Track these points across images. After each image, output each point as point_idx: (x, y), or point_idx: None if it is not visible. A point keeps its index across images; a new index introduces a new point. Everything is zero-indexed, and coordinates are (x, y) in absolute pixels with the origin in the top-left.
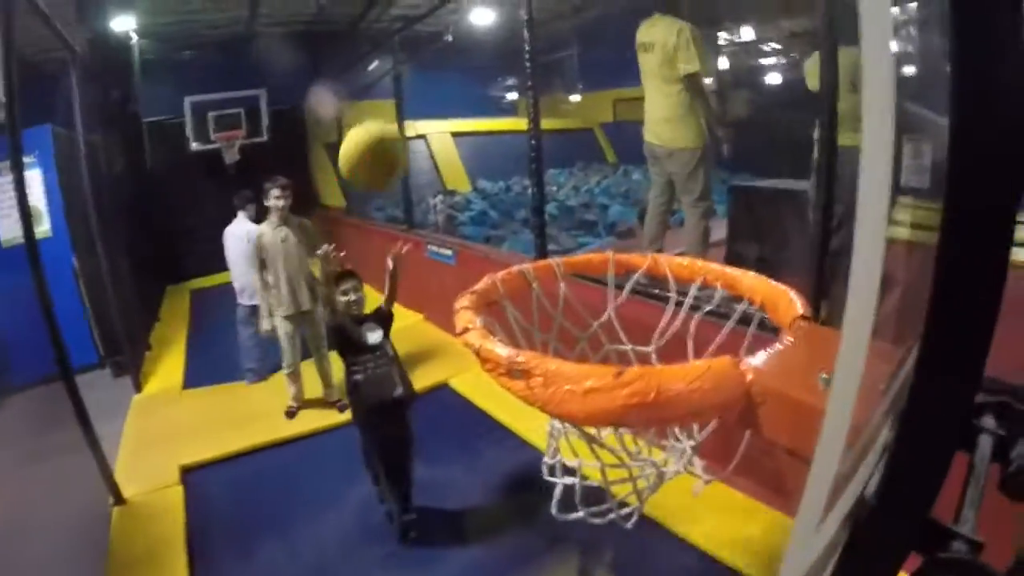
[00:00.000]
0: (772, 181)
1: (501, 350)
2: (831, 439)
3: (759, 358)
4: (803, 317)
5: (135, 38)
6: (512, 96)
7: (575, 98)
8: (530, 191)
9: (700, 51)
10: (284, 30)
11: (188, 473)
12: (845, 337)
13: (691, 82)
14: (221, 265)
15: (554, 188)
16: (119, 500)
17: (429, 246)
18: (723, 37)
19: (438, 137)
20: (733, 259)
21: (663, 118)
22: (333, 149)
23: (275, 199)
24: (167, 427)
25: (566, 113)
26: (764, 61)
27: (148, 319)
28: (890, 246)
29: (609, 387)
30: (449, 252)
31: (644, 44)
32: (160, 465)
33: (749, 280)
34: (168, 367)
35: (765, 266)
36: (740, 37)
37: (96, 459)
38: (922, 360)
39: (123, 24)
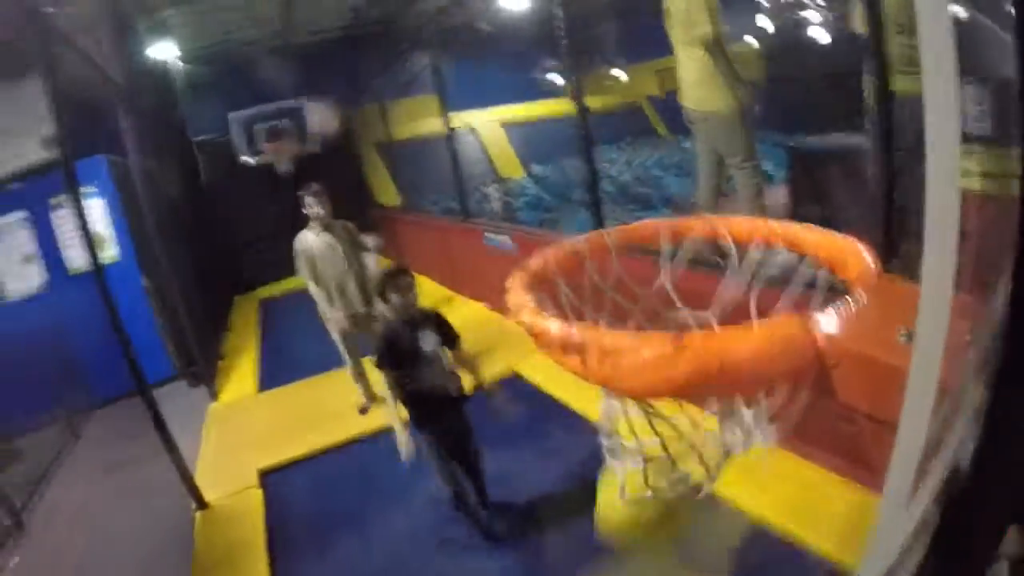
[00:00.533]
0: (829, 137)
1: (553, 325)
2: (918, 400)
3: (830, 317)
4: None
5: (177, 63)
6: (557, 78)
7: (618, 73)
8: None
9: (713, 12)
10: (320, 38)
11: (266, 476)
12: (925, 288)
13: (708, 45)
14: (286, 271)
15: (606, 165)
16: (201, 505)
17: (486, 233)
18: None
19: (487, 127)
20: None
21: (692, 82)
22: (383, 148)
23: (310, 206)
24: (244, 432)
25: (611, 89)
26: (808, 14)
27: (219, 330)
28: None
29: (668, 357)
30: (507, 238)
31: (665, 9)
32: (239, 469)
33: (813, 235)
34: (241, 374)
35: (830, 227)
36: None
37: (176, 466)
38: (1016, 309)
39: (163, 52)
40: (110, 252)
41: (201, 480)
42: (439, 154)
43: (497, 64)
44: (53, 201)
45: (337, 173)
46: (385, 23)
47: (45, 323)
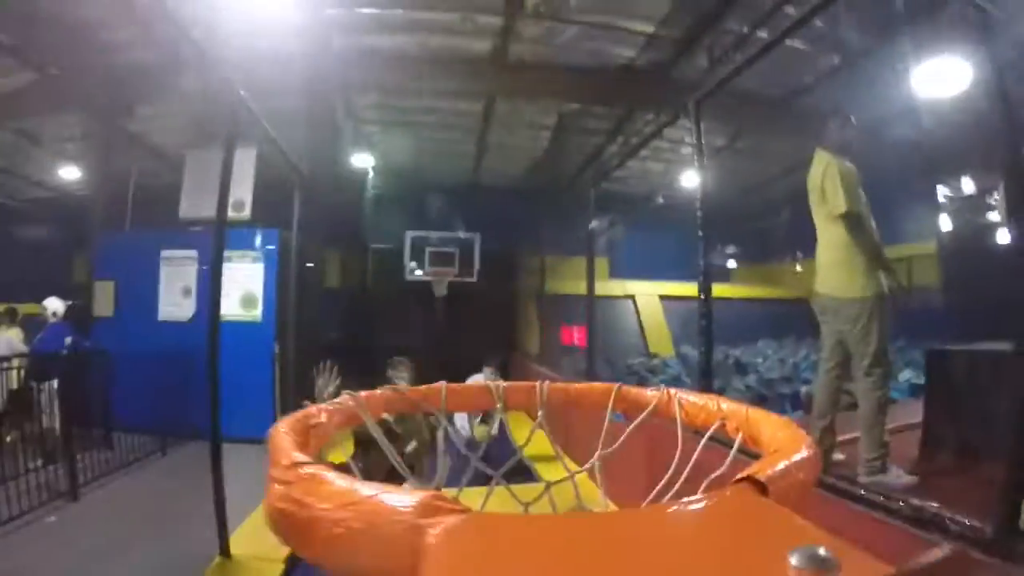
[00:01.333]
0: (981, 345)
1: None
2: None
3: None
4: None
5: (370, 173)
6: (730, 263)
7: (792, 267)
8: (699, 356)
9: (849, 188)
10: (504, 183)
11: (290, 560)
12: None
13: (847, 222)
14: None
15: (758, 360)
16: (225, 553)
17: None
18: (943, 193)
19: (645, 299)
20: (932, 444)
21: (829, 263)
22: (538, 296)
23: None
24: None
25: (782, 282)
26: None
27: None
28: None
29: None
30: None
31: (808, 178)
32: (272, 542)
33: (773, 429)
34: (334, 457)
35: (970, 454)
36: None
37: (216, 510)
38: None
39: (362, 161)
40: (256, 312)
41: (237, 534)
42: (590, 315)
43: (667, 238)
44: (225, 254)
45: (487, 309)
46: (564, 183)
47: (181, 349)
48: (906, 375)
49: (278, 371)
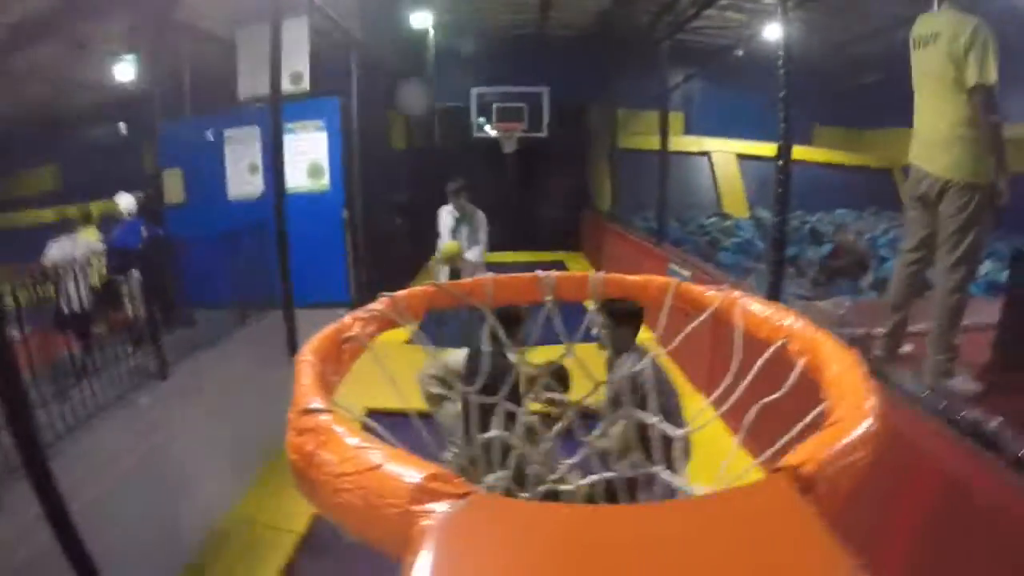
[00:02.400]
0: None
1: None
2: None
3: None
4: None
5: (431, 32)
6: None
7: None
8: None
9: (997, 60)
10: (572, 33)
11: (370, 414)
12: None
13: (982, 96)
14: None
15: (832, 229)
16: None
17: (671, 264)
18: None
19: (722, 157)
20: (1006, 352)
21: (940, 139)
22: (611, 152)
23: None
24: (372, 372)
25: (867, 149)
26: None
27: (403, 277)
28: None
29: None
30: (687, 274)
31: (923, 36)
32: (350, 400)
33: (839, 367)
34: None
35: None
36: None
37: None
38: None
39: (421, 20)
40: (324, 181)
41: None
42: (663, 171)
43: (749, 95)
44: (288, 126)
45: (559, 165)
46: (636, 31)
47: (253, 225)
48: (986, 268)
49: (349, 236)
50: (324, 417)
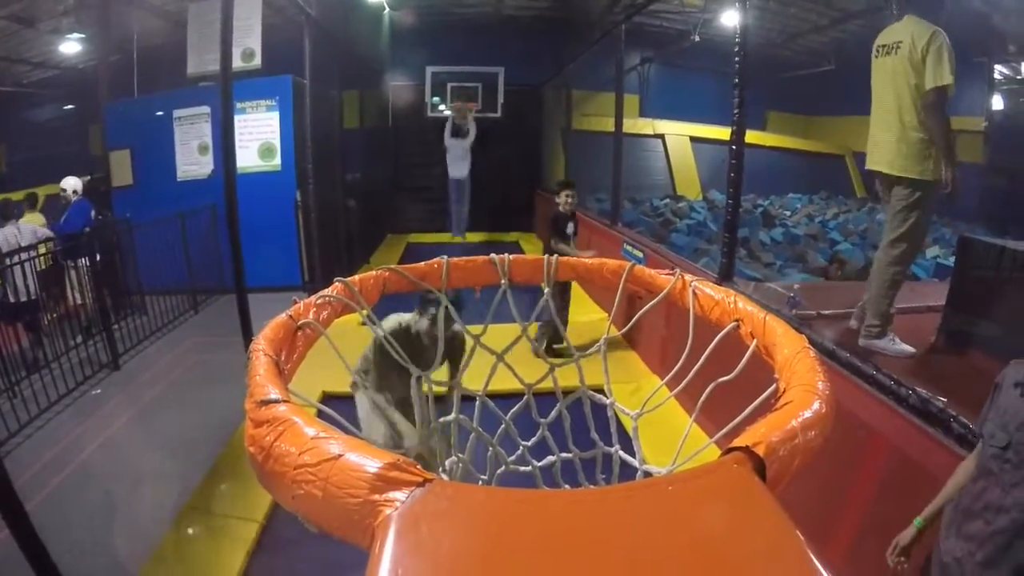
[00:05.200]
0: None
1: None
2: None
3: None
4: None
5: (386, 8)
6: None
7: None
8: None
9: (953, 65)
10: (529, 15)
11: (325, 399)
12: None
13: (935, 98)
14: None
15: (787, 213)
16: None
17: (625, 245)
18: (1000, 72)
19: (676, 139)
20: (949, 335)
21: (894, 140)
22: (565, 133)
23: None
24: (327, 356)
25: (818, 136)
26: None
27: (356, 258)
28: None
29: None
30: (640, 255)
31: (886, 45)
32: (305, 384)
33: (790, 349)
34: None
35: (986, 353)
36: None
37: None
38: None
39: None
40: (275, 161)
41: None
42: (618, 155)
43: (703, 80)
44: (239, 105)
45: (512, 145)
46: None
47: (204, 207)
48: (933, 252)
49: (301, 218)
50: (282, 408)
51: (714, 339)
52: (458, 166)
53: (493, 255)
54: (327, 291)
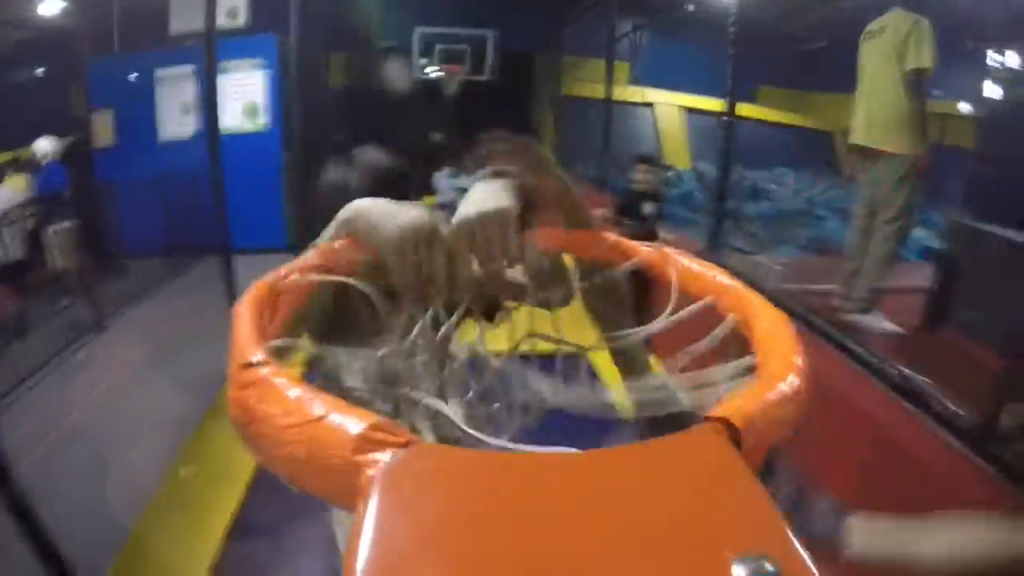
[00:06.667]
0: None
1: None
2: None
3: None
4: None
5: None
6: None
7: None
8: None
9: (932, 51)
10: None
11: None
12: None
13: (915, 78)
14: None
15: (773, 187)
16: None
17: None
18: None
19: (666, 109)
20: (934, 317)
21: (880, 115)
22: (554, 99)
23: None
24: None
25: (808, 111)
26: None
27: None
28: None
29: None
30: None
31: (872, 31)
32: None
33: (769, 324)
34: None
35: (971, 338)
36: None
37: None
38: None
39: None
40: (262, 121)
41: None
42: (608, 121)
43: (696, 50)
44: (223, 64)
45: (501, 109)
46: None
47: (187, 169)
48: (920, 234)
49: (286, 179)
50: (265, 370)
51: (693, 308)
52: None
53: None
54: (308, 254)
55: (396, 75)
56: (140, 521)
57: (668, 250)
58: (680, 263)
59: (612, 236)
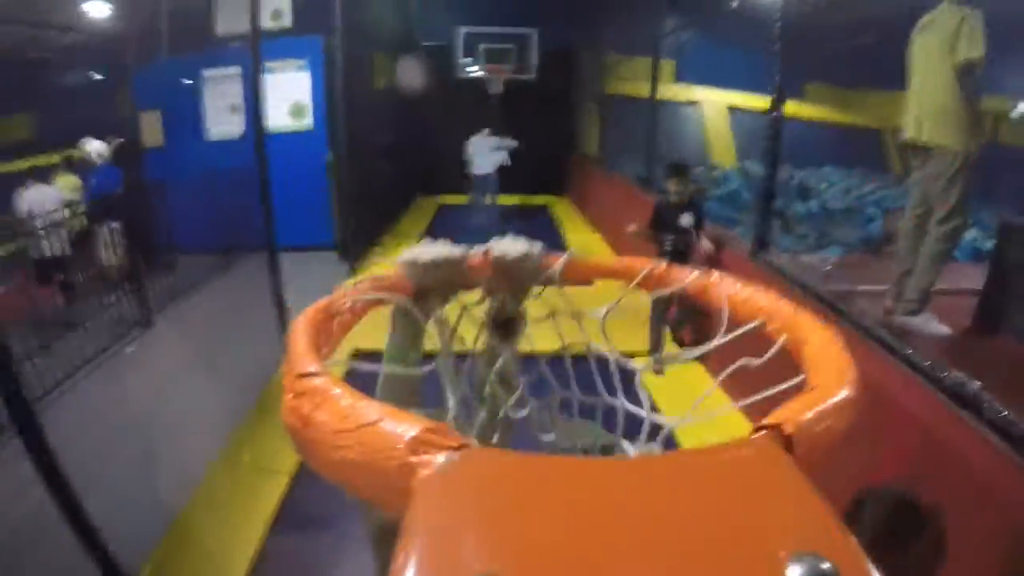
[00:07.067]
0: None
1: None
2: None
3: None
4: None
5: None
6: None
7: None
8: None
9: (982, 42)
10: None
11: (357, 356)
12: None
13: (966, 70)
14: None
15: (823, 186)
16: None
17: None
18: None
19: (712, 107)
20: (985, 319)
21: (929, 111)
22: (599, 97)
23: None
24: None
25: (856, 109)
26: None
27: (387, 219)
28: None
29: None
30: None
31: (923, 25)
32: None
33: (819, 342)
34: (388, 261)
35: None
36: None
37: (279, 318)
38: None
39: None
40: (306, 120)
41: None
42: (654, 119)
43: (743, 48)
44: (269, 65)
45: (545, 108)
46: None
47: (235, 167)
48: (971, 235)
49: (333, 177)
50: (319, 380)
51: (742, 330)
52: (480, 159)
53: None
54: (363, 283)
55: (440, 75)
56: (184, 512)
57: (717, 275)
58: (729, 288)
59: (661, 264)
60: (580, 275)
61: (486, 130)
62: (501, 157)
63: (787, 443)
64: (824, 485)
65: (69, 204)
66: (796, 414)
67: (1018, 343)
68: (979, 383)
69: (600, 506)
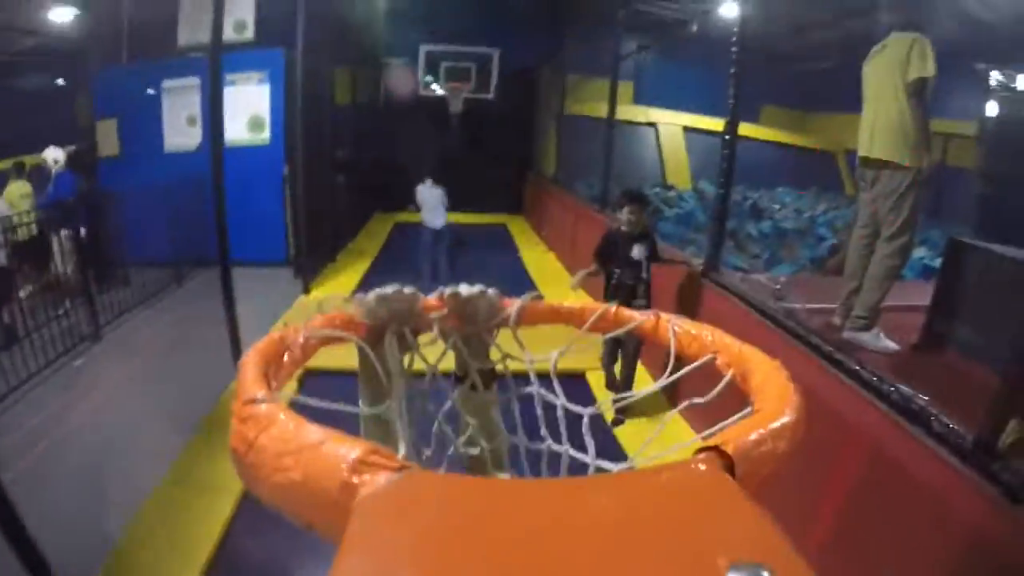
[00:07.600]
0: (1008, 248)
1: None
2: None
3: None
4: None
5: None
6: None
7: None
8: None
9: (933, 63)
10: None
11: (307, 375)
12: None
13: (917, 87)
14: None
15: (776, 207)
16: None
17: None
18: (995, 79)
19: (668, 128)
20: (932, 335)
21: (881, 128)
22: (558, 117)
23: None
24: None
25: (811, 132)
26: None
27: (343, 236)
28: None
29: None
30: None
31: (875, 52)
32: None
33: (764, 374)
34: (344, 279)
35: (969, 356)
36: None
37: (230, 335)
38: None
39: None
40: (264, 135)
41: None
42: (611, 140)
43: (698, 70)
44: (229, 77)
45: (504, 127)
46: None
47: (190, 180)
48: (920, 253)
49: (288, 193)
50: (265, 406)
51: (693, 366)
52: (434, 214)
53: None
54: (316, 320)
55: (400, 92)
56: (128, 530)
57: (664, 316)
58: (677, 327)
59: (610, 308)
60: (534, 319)
61: (428, 180)
62: (445, 211)
63: (728, 463)
64: (769, 501)
65: (18, 215)
66: (737, 436)
67: (964, 358)
68: (926, 397)
69: (542, 525)
